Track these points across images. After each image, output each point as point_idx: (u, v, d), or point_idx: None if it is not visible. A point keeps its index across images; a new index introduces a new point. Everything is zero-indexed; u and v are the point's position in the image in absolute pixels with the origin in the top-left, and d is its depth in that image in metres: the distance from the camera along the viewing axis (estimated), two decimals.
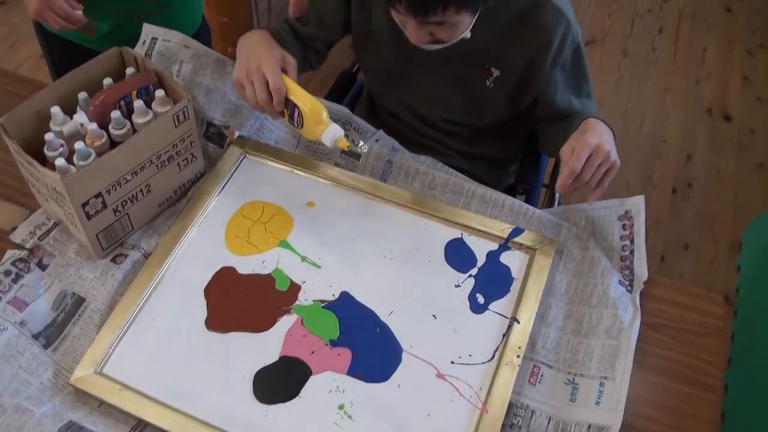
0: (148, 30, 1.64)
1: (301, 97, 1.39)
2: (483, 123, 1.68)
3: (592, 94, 1.60)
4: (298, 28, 1.59)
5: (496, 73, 1.54)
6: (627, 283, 1.40)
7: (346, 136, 1.42)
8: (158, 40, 1.62)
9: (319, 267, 1.40)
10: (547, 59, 1.49)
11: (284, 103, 1.40)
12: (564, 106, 1.57)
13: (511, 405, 1.24)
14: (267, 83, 1.38)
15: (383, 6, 1.51)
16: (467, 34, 1.37)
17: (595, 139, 1.33)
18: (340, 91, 2.02)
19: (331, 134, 1.37)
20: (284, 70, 1.43)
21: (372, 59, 1.67)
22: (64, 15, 1.58)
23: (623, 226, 1.45)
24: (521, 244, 1.44)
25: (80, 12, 1.61)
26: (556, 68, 1.52)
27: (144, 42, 1.63)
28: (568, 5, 1.49)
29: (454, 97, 1.61)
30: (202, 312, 1.34)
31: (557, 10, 1.46)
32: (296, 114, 1.39)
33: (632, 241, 1.45)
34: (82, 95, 1.41)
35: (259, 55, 1.41)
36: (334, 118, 1.60)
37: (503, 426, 1.21)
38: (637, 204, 1.46)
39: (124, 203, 1.38)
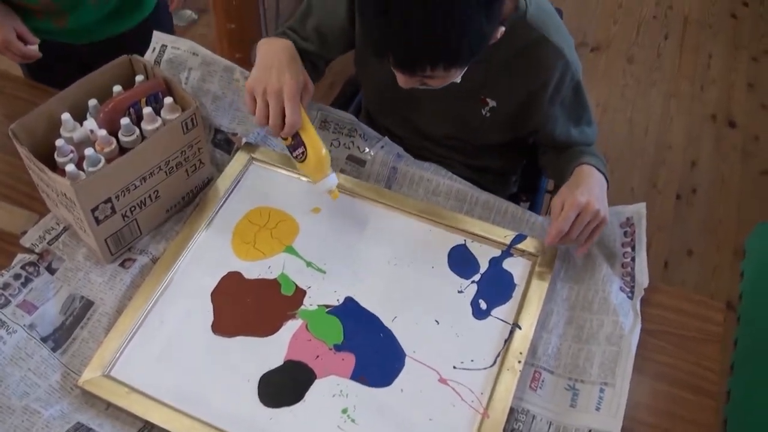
0: (158, 37, 1.66)
1: (311, 140, 1.40)
2: (483, 142, 1.69)
3: (592, 119, 1.61)
4: (299, 42, 1.56)
5: (492, 103, 1.54)
6: (628, 289, 1.41)
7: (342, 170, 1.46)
8: (167, 48, 1.64)
9: (324, 272, 1.42)
10: (545, 97, 1.50)
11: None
12: (563, 138, 1.58)
13: (512, 410, 1.26)
14: (283, 110, 1.38)
15: None
16: (457, 80, 1.35)
17: (584, 198, 1.36)
18: (347, 98, 2.02)
19: (327, 185, 1.42)
20: (300, 96, 1.42)
21: (372, 78, 1.67)
22: (20, 54, 1.77)
23: (625, 233, 1.46)
24: (524, 251, 1.45)
25: (35, 47, 1.79)
26: (555, 106, 1.53)
27: (154, 49, 1.65)
28: (568, 39, 1.49)
29: (453, 120, 1.62)
30: (208, 316, 1.36)
31: (556, 49, 1.45)
32: (300, 151, 1.41)
33: (633, 248, 1.46)
34: (92, 102, 1.43)
35: (283, 75, 1.39)
36: (340, 125, 1.62)
37: (504, 431, 1.23)
38: (638, 211, 1.48)
39: (132, 209, 1.39)
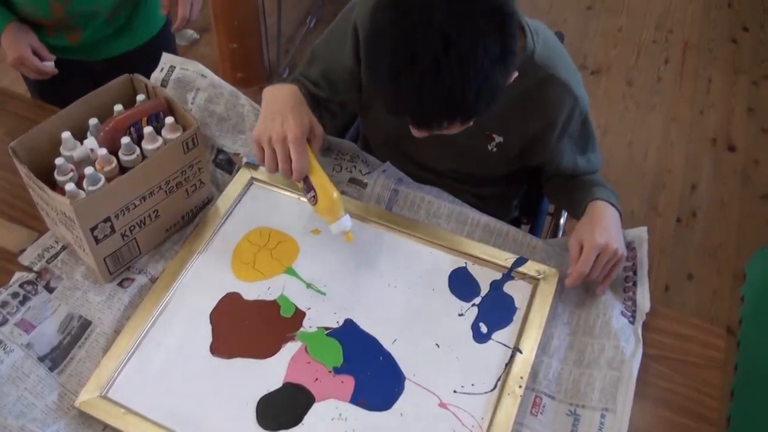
0: (167, 58, 1.67)
1: (321, 184, 1.40)
2: (488, 174, 1.68)
3: (596, 146, 1.61)
4: (310, 88, 1.55)
5: (498, 139, 1.53)
6: (629, 314, 1.41)
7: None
8: (176, 68, 1.64)
9: (324, 294, 1.41)
10: (553, 134, 1.49)
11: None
12: (570, 168, 1.58)
13: None
14: (290, 157, 1.37)
15: None
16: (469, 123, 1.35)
17: (603, 239, 1.37)
18: (345, 125, 1.98)
19: (340, 227, 1.41)
20: (308, 140, 1.41)
21: (376, 120, 1.67)
22: (36, 70, 1.76)
23: (626, 258, 1.46)
24: (525, 274, 1.45)
25: (51, 64, 1.78)
26: (563, 140, 1.52)
27: (162, 69, 1.66)
28: (575, 74, 1.48)
29: (458, 155, 1.61)
30: (207, 337, 1.35)
31: (564, 86, 1.44)
32: (311, 195, 1.40)
33: (635, 272, 1.46)
34: (93, 121, 1.43)
35: (287, 120, 1.37)
36: (342, 153, 1.62)
37: None
38: (640, 236, 1.48)
39: (132, 228, 1.39)
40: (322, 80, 1.56)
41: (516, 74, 1.26)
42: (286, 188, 1.57)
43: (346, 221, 1.41)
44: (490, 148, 1.55)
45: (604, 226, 1.41)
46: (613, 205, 1.47)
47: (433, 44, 1.12)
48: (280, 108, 1.39)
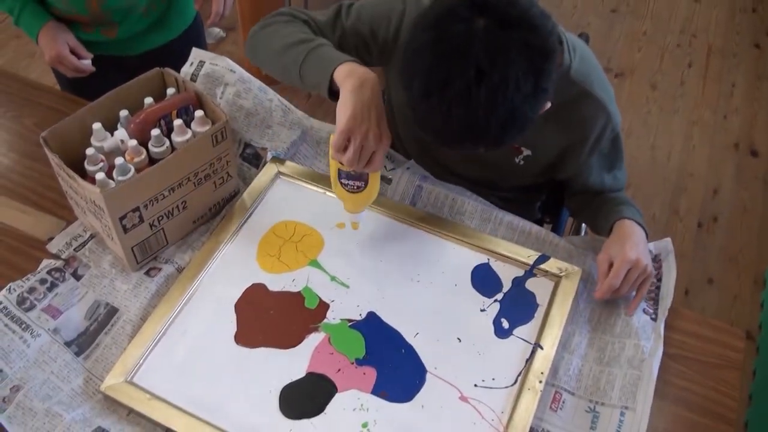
0: (197, 53, 1.69)
1: (375, 182, 1.41)
2: (514, 184, 1.69)
3: (623, 164, 1.60)
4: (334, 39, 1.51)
5: (526, 152, 1.53)
6: (651, 311, 1.41)
7: None
8: (205, 63, 1.66)
9: (348, 287, 1.43)
10: (584, 150, 1.49)
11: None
12: (596, 185, 1.58)
13: (531, 430, 1.25)
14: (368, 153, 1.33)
15: None
16: None
17: (633, 254, 1.38)
18: None
19: (359, 216, 1.47)
20: None
21: (403, 130, 1.67)
22: (74, 68, 1.80)
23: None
24: (547, 271, 1.45)
25: (89, 62, 1.83)
26: (593, 157, 1.52)
27: (191, 63, 1.68)
28: (609, 91, 1.47)
29: (486, 165, 1.61)
30: (231, 327, 1.37)
31: (599, 103, 1.44)
32: (359, 184, 1.40)
33: (659, 279, 1.46)
34: (124, 113, 1.45)
35: (382, 123, 1.31)
36: None
37: None
38: (665, 247, 1.49)
39: (160, 218, 1.41)
40: (357, 33, 1.51)
41: (549, 104, 1.25)
42: (312, 182, 1.59)
43: (363, 214, 1.47)
44: (517, 160, 1.55)
45: (634, 243, 1.42)
46: (639, 224, 1.47)
47: (467, 73, 1.12)
48: (370, 102, 1.31)
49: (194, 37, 2.05)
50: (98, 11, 1.80)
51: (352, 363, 1.32)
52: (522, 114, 1.16)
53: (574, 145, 1.50)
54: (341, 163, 1.34)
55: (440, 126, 1.20)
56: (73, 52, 1.79)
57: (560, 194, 1.84)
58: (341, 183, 1.41)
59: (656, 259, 1.49)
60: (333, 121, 1.41)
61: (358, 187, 1.40)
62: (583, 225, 1.84)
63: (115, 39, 1.91)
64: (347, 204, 1.45)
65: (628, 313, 1.41)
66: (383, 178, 1.61)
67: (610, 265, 1.40)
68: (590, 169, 1.55)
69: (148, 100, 1.47)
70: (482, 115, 1.14)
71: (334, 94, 1.36)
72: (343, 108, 1.29)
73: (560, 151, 1.52)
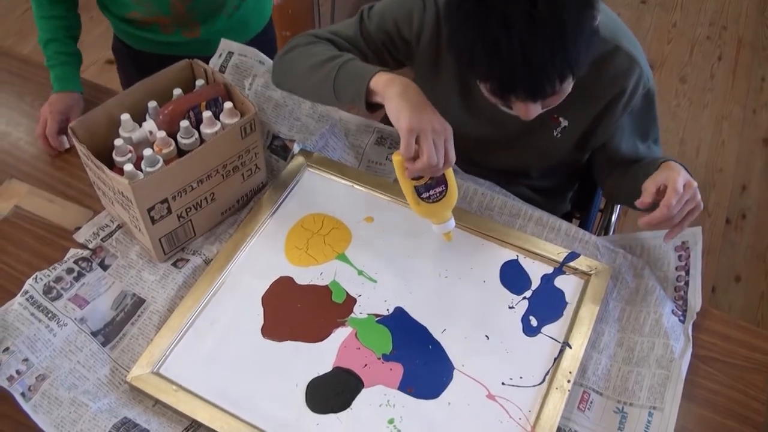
0: (225, 44, 1.68)
1: (452, 178, 1.39)
2: (547, 166, 1.67)
3: (659, 140, 1.57)
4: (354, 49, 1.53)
5: (564, 123, 1.51)
6: (680, 312, 1.40)
7: None
8: (234, 55, 1.66)
9: (375, 281, 1.42)
10: (619, 107, 1.46)
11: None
12: (629, 153, 1.54)
13: (559, 429, 1.24)
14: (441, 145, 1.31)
15: (453, 71, 1.49)
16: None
17: (687, 175, 1.32)
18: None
19: (450, 226, 1.42)
20: None
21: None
22: (51, 134, 1.65)
23: (679, 257, 1.45)
24: (576, 269, 1.44)
25: (65, 141, 1.67)
26: (626, 116, 1.49)
27: (220, 55, 1.67)
28: (640, 49, 1.45)
29: (517, 150, 1.59)
30: (258, 319, 1.36)
31: (630, 56, 1.42)
32: (439, 190, 1.38)
33: (687, 272, 1.44)
34: (152, 104, 1.45)
35: (437, 115, 1.31)
36: (394, 142, 1.62)
37: None
38: (694, 235, 1.46)
39: (188, 210, 1.41)
40: (382, 36, 1.52)
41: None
42: (340, 175, 1.58)
43: (452, 221, 1.42)
44: (555, 133, 1.53)
45: (683, 172, 1.34)
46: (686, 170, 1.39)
47: (520, 4, 1.14)
48: (421, 101, 1.31)
49: (270, 36, 2.03)
50: (182, 12, 1.79)
51: (379, 358, 1.31)
52: (585, 22, 1.19)
53: (611, 103, 1.46)
54: (415, 180, 1.35)
55: (522, 68, 1.18)
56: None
57: (591, 186, 1.83)
58: (422, 199, 1.38)
59: (684, 246, 1.47)
60: (361, 112, 1.41)
61: (440, 193, 1.38)
62: (613, 221, 1.81)
63: (197, 39, 1.89)
64: (436, 217, 1.42)
65: (666, 239, 1.36)
66: None
67: (661, 191, 1.31)
68: (623, 133, 1.52)
69: (177, 91, 1.47)
70: (554, 34, 1.15)
71: (370, 106, 1.37)
72: (398, 112, 1.29)
73: (598, 113, 1.49)
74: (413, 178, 1.36)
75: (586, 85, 1.40)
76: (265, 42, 1.77)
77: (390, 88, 1.31)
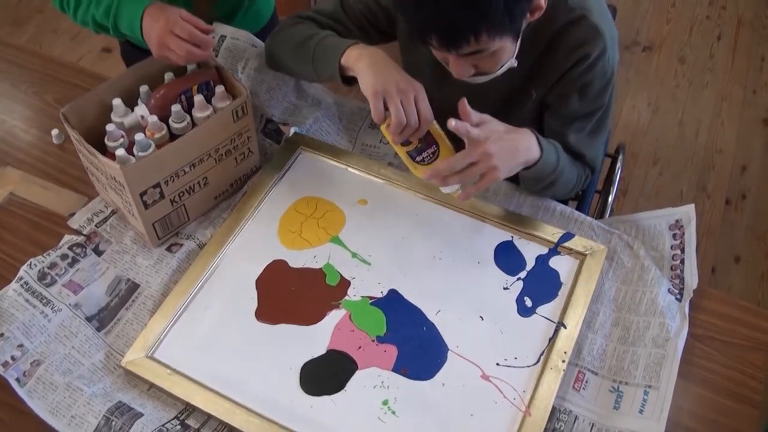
0: (219, 29, 1.67)
1: (441, 136, 1.37)
2: None
3: (600, 135, 1.52)
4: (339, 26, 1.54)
5: (534, 94, 1.49)
6: (677, 291, 1.39)
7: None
8: (227, 38, 1.65)
9: (369, 264, 1.42)
10: (579, 70, 1.41)
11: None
12: (555, 129, 1.51)
13: (554, 409, 1.24)
14: (410, 101, 1.31)
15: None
16: (514, 63, 1.33)
17: (497, 144, 1.29)
18: None
19: (453, 186, 1.37)
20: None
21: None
22: (189, 37, 1.38)
23: (674, 236, 1.44)
24: (571, 249, 1.43)
25: (211, 36, 1.43)
26: (572, 87, 1.43)
27: (213, 38, 1.66)
28: (611, 27, 1.41)
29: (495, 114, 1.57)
30: (252, 303, 1.36)
31: (596, 27, 1.37)
32: (431, 151, 1.37)
33: (683, 251, 1.44)
34: (144, 88, 1.44)
35: (402, 74, 1.33)
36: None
37: (545, 430, 1.22)
38: (687, 213, 1.45)
39: (181, 194, 1.40)
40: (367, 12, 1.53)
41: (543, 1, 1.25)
42: (334, 158, 1.58)
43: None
44: (528, 106, 1.51)
45: (510, 138, 1.33)
46: (541, 148, 1.37)
47: None
48: (387, 65, 1.33)
49: (275, 24, 2.01)
50: (206, 9, 1.72)
51: (373, 340, 1.31)
52: None
53: (573, 67, 1.41)
54: (405, 146, 1.36)
55: (433, 14, 1.18)
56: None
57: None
58: (417, 162, 1.38)
59: (678, 225, 1.46)
60: (356, 96, 1.40)
61: (433, 154, 1.37)
62: (610, 202, 1.80)
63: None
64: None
65: (459, 198, 1.35)
66: None
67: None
68: (563, 105, 1.47)
69: (169, 75, 1.46)
70: None
71: (348, 80, 1.40)
72: (364, 81, 1.32)
73: (555, 82, 1.45)
74: (403, 145, 1.37)
75: (552, 55, 1.41)
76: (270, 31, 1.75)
77: (359, 62, 1.34)
